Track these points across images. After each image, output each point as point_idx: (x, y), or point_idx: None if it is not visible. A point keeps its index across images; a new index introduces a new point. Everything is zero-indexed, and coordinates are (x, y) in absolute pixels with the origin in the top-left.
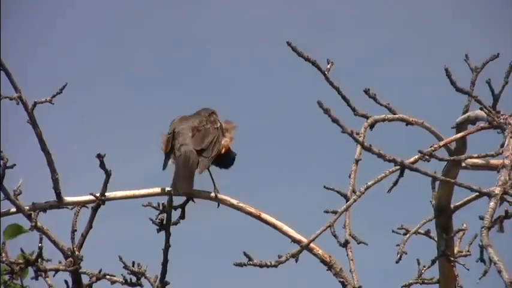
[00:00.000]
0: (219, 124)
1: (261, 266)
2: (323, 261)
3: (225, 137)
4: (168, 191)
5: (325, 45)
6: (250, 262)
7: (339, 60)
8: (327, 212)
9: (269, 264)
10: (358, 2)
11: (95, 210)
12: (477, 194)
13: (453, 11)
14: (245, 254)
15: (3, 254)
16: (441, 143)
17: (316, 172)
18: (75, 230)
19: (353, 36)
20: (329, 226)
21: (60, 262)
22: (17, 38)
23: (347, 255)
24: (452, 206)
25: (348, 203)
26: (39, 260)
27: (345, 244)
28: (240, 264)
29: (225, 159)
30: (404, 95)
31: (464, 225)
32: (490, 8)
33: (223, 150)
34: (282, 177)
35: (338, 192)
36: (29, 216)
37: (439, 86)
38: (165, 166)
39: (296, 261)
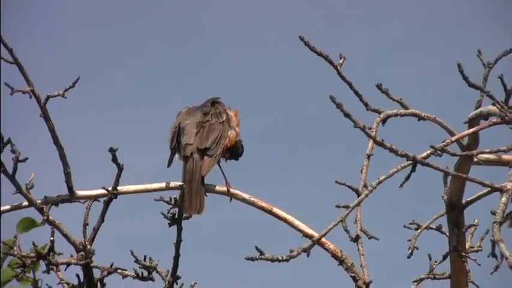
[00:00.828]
0: (224, 117)
1: (272, 260)
2: (334, 255)
3: (231, 129)
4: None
5: (338, 41)
6: (262, 256)
7: (351, 56)
8: (338, 206)
9: (281, 258)
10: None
11: (106, 204)
12: (489, 189)
13: (466, 6)
14: (257, 248)
15: (15, 248)
16: (453, 138)
17: (327, 167)
18: (87, 224)
19: (366, 32)
20: (341, 221)
21: (71, 256)
22: (29, 33)
23: (358, 250)
24: (463, 201)
25: (359, 197)
26: (51, 253)
27: (356, 239)
28: (252, 259)
29: (233, 152)
30: (417, 90)
31: (476, 220)
32: (502, 3)
33: (229, 145)
34: (293, 172)
35: (349, 187)
36: (40, 210)
37: (451, 81)
38: (170, 163)
39: (308, 256)
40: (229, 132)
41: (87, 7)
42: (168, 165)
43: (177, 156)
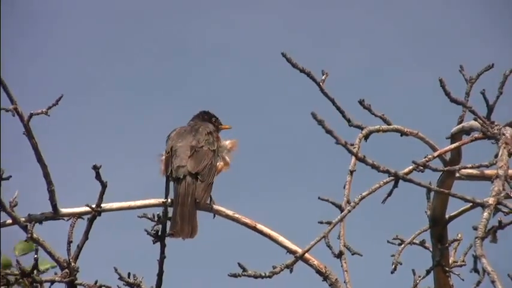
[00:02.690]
0: (216, 146)
1: (255, 276)
2: (318, 271)
3: (220, 159)
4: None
5: (325, 54)
6: (245, 273)
7: (335, 70)
8: (321, 222)
9: (263, 275)
10: (354, 13)
11: (91, 221)
12: (471, 204)
13: (449, 21)
14: (239, 264)
15: None
16: (435, 154)
17: (311, 183)
18: (71, 242)
19: (350, 47)
20: (323, 237)
21: (56, 273)
22: (11, 49)
23: (341, 266)
24: (447, 216)
25: (342, 213)
26: (35, 271)
27: (340, 255)
28: (235, 275)
29: None
30: (399, 105)
31: (459, 235)
32: (486, 19)
33: (217, 173)
34: (277, 188)
35: (332, 203)
36: (24, 228)
37: (433, 96)
38: (167, 192)
39: (291, 272)
40: (218, 163)
41: (69, 22)
42: (166, 196)
43: (163, 175)
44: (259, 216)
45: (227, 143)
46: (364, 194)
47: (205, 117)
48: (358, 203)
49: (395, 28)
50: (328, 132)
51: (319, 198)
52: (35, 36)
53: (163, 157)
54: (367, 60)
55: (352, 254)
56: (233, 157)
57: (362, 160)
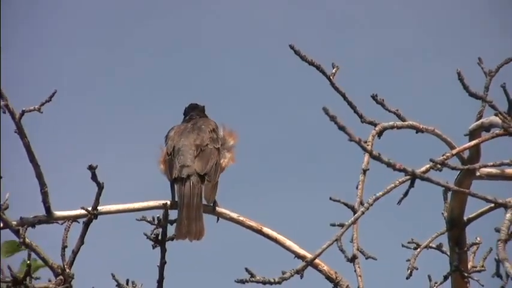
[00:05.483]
0: (220, 143)
1: (264, 282)
2: (328, 277)
3: (224, 157)
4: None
5: (337, 47)
6: (253, 279)
7: (347, 64)
8: (333, 225)
9: (272, 281)
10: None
11: (86, 225)
12: (492, 205)
13: (468, 13)
14: (247, 270)
15: None
16: (454, 151)
17: (321, 183)
18: (66, 246)
19: (364, 38)
20: (336, 240)
21: (49, 280)
22: (7, 45)
23: (355, 271)
24: (465, 218)
25: (355, 215)
26: (28, 278)
27: (353, 259)
28: (242, 281)
29: None
30: (415, 100)
31: (478, 238)
32: (506, 9)
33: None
34: (284, 188)
35: (345, 204)
36: (16, 232)
37: (451, 90)
38: (174, 198)
39: (301, 277)
40: (222, 160)
41: (66, 17)
42: (172, 201)
43: (164, 175)
44: (266, 219)
45: (229, 139)
46: (378, 194)
47: (201, 110)
48: (372, 204)
49: (408, 19)
50: (341, 128)
51: (330, 199)
52: (29, 29)
53: (164, 158)
54: (379, 53)
55: (366, 258)
56: (236, 151)
57: (377, 158)
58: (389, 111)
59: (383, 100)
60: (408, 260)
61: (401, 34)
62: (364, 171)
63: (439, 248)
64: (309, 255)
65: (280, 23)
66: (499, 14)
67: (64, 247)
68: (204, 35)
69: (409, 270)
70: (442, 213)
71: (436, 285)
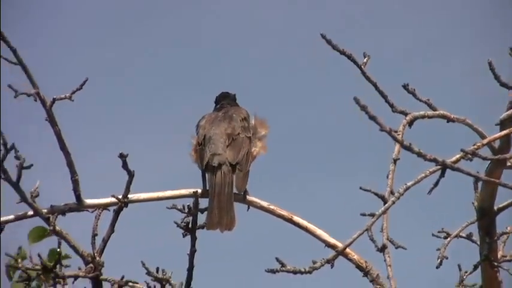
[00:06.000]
0: (251, 132)
1: (294, 272)
2: (359, 266)
3: (255, 146)
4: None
5: (364, 39)
6: (283, 268)
7: (378, 54)
8: (363, 214)
9: (303, 270)
10: (368, 4)
11: (117, 213)
12: None
13: (468, 13)
14: (278, 259)
15: (19, 260)
16: (484, 141)
17: (351, 172)
18: (96, 235)
19: (393, 28)
20: (366, 230)
21: (79, 268)
22: (33, 32)
23: (384, 260)
24: (495, 207)
25: (385, 205)
26: (58, 266)
27: (383, 249)
28: (273, 271)
29: None
30: (446, 90)
31: (509, 228)
32: (505, 10)
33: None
34: (315, 178)
35: (375, 193)
36: (47, 220)
37: (482, 80)
38: (205, 185)
39: (332, 267)
40: (253, 149)
41: (93, 6)
42: (203, 189)
43: (195, 164)
44: (296, 208)
45: (260, 128)
46: (409, 184)
47: (232, 98)
48: (402, 194)
49: (437, 8)
50: (372, 118)
51: (360, 188)
52: (54, 18)
53: (195, 147)
54: (410, 42)
55: (396, 248)
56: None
57: (407, 148)
58: (421, 100)
59: (414, 90)
60: (438, 249)
61: (428, 24)
62: (395, 161)
63: (469, 237)
64: (339, 245)
65: (280, 23)
66: (499, 14)
67: (94, 235)
68: (204, 35)
69: (439, 260)
70: (473, 203)
71: (466, 274)
